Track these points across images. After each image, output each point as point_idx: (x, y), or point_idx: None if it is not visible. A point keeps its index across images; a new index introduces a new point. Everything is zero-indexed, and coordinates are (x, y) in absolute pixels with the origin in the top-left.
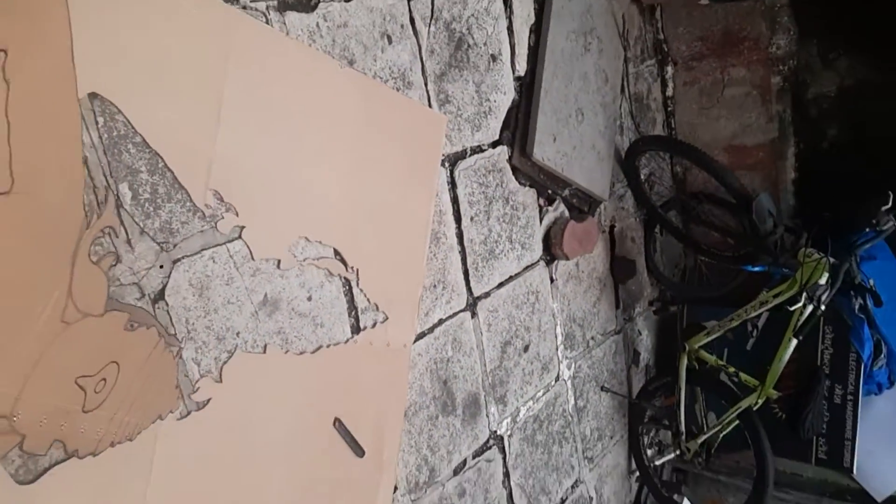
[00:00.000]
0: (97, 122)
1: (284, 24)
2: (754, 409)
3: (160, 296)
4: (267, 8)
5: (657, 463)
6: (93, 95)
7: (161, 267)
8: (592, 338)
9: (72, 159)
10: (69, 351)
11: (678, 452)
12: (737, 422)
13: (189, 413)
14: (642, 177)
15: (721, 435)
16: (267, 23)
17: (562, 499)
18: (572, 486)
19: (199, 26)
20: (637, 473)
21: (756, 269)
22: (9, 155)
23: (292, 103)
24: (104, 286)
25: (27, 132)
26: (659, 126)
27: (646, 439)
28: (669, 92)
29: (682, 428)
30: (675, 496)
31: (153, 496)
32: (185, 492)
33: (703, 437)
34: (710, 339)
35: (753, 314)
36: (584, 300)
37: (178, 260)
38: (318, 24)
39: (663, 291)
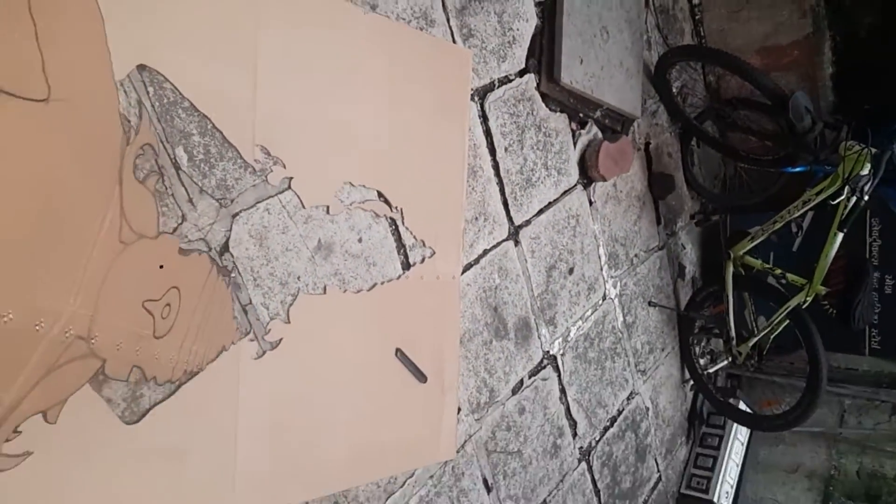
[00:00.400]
0: (148, 92)
1: None
2: (803, 307)
3: (225, 248)
4: None
5: (710, 371)
6: (141, 67)
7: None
8: (636, 255)
9: (102, 66)
10: (131, 272)
11: (731, 359)
12: (787, 321)
13: (265, 353)
14: (674, 90)
15: (772, 336)
16: None
17: (618, 410)
18: (627, 398)
19: None
20: (691, 382)
21: (797, 169)
22: (41, 58)
23: (322, 53)
24: (153, 206)
25: (55, 34)
26: (688, 37)
27: (697, 349)
28: (696, 0)
29: (733, 333)
30: (731, 400)
31: (242, 429)
32: (269, 422)
33: (754, 340)
34: (754, 243)
35: (797, 214)
36: (625, 219)
37: (237, 214)
38: None
39: (704, 204)
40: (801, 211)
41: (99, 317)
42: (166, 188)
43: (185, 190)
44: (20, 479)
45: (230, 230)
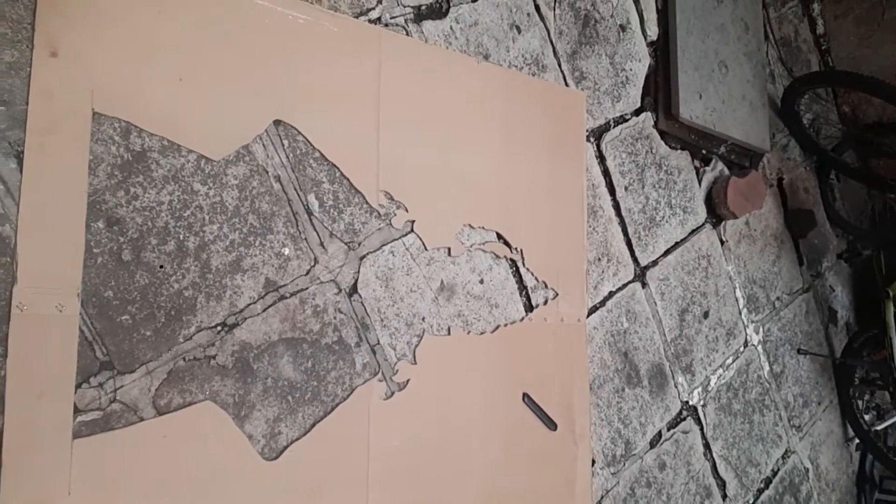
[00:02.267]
0: (283, 144)
1: (422, 32)
2: None
3: (354, 289)
4: (405, 21)
5: (878, 428)
6: (277, 122)
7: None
8: (778, 298)
9: None
10: None
11: None
12: None
13: (393, 393)
14: (805, 122)
15: None
16: (407, 34)
17: (773, 470)
18: (783, 457)
19: (351, 49)
20: (856, 441)
21: None
22: None
23: (439, 102)
24: None
25: None
26: (814, 68)
27: (860, 403)
28: (820, 29)
29: None
30: None
31: (374, 470)
32: (400, 465)
33: None
34: None
35: None
36: (762, 260)
37: (364, 256)
38: (451, 28)
39: (852, 242)
40: None
41: None
42: (300, 232)
43: (317, 234)
44: None
45: (358, 272)
